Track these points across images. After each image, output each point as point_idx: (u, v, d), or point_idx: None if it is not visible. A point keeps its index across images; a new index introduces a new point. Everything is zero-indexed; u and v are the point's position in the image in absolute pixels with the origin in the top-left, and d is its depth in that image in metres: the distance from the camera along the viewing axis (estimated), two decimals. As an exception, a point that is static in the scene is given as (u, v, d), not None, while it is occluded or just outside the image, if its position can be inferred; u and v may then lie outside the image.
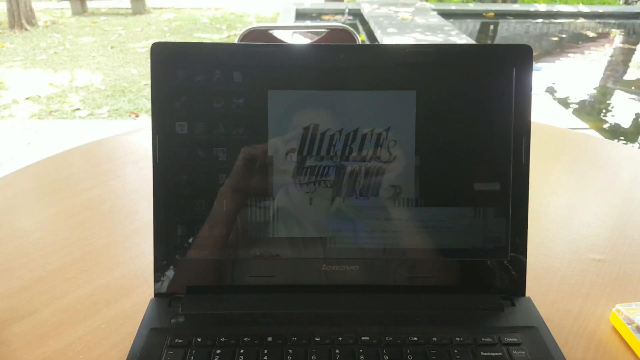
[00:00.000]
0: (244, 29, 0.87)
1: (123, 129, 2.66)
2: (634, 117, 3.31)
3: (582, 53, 5.05)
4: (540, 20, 6.65)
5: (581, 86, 3.94)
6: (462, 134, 0.44)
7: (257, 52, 0.43)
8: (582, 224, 0.61)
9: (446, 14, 6.24)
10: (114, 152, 0.81)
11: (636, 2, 7.90)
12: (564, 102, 3.40)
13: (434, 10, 6.29)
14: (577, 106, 3.45)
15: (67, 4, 6.89)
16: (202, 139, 0.43)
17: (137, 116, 3.06)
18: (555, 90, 3.74)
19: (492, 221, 0.44)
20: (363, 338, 0.40)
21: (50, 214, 0.63)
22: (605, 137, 2.53)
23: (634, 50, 5.24)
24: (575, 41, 5.54)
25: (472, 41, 5.00)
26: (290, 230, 0.44)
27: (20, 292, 0.49)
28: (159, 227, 0.44)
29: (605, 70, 4.51)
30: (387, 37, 4.73)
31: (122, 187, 0.70)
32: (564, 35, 5.86)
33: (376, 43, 4.51)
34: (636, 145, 2.90)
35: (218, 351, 0.38)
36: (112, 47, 4.81)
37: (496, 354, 0.38)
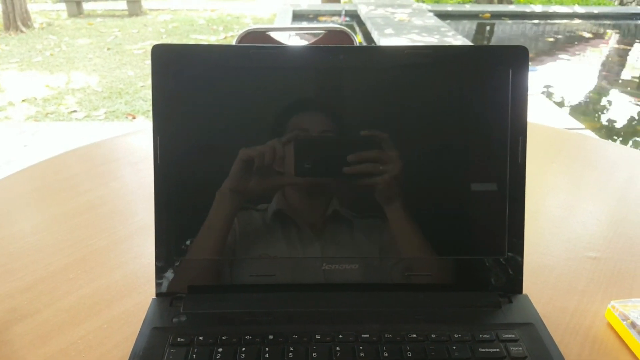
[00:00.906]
0: (241, 31, 0.87)
1: (120, 131, 2.66)
2: (629, 117, 3.32)
3: (578, 54, 5.07)
4: (536, 21, 6.68)
5: (577, 86, 3.96)
6: (459, 134, 0.44)
7: (257, 53, 0.43)
8: (578, 222, 0.62)
9: (443, 15, 6.26)
10: (113, 154, 0.82)
11: (631, 2, 7.94)
12: (560, 103, 3.41)
13: (430, 11, 6.30)
14: (573, 106, 3.47)
15: (63, 6, 6.87)
16: (202, 140, 0.44)
17: (134, 118, 3.05)
18: (551, 90, 3.75)
19: (489, 220, 0.45)
20: (363, 335, 0.40)
21: (50, 215, 0.63)
22: (601, 137, 2.54)
23: (629, 50, 5.26)
24: (571, 42, 5.57)
25: (468, 42, 5.02)
26: (290, 230, 0.45)
27: (22, 292, 0.49)
28: (160, 228, 0.44)
29: (601, 70, 4.53)
30: (384, 39, 4.73)
31: (122, 188, 0.70)
32: (559, 36, 5.88)
33: (373, 44, 4.52)
34: (631, 145, 2.91)
35: (220, 349, 0.39)
36: (108, 49, 4.80)
37: (494, 350, 0.39)
